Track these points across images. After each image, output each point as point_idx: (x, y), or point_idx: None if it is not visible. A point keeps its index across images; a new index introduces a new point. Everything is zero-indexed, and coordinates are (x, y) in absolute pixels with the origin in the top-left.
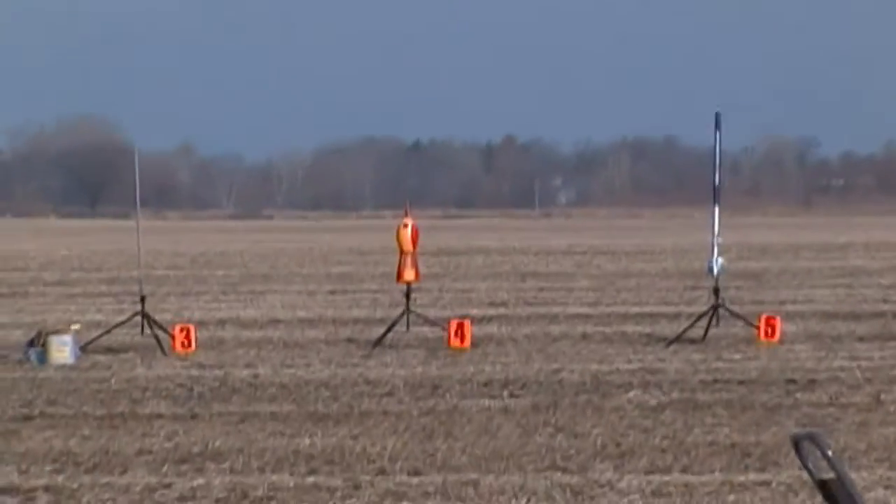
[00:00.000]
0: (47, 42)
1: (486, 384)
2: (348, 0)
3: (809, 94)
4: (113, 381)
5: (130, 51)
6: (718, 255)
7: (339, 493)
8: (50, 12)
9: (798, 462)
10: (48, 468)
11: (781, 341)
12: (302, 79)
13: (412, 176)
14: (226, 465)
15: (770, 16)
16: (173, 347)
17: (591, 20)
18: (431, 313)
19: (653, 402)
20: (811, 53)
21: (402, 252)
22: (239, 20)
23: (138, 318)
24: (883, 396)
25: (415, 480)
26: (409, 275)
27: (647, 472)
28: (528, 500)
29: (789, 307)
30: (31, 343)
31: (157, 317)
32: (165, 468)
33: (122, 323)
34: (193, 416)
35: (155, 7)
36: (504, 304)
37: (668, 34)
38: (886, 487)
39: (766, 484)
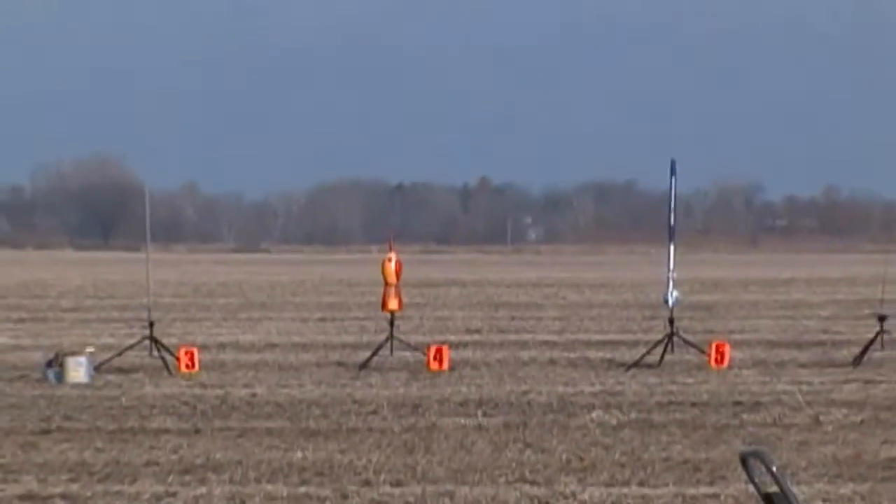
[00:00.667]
0: (67, 87)
1: (462, 404)
2: (338, 53)
3: (755, 141)
4: (123, 398)
5: (142, 98)
6: (673, 288)
7: (328, 503)
8: (68, 60)
9: (745, 477)
10: (64, 477)
11: (730, 367)
12: (296, 124)
13: (396, 214)
14: (226, 475)
15: (719, 70)
16: (178, 368)
17: (558, 76)
18: (413, 339)
19: (613, 421)
20: (758, 103)
21: (386, 283)
22: (238, 75)
23: (147, 342)
24: (822, 418)
25: (397, 491)
26: (392, 304)
27: (608, 486)
28: None
29: (737, 336)
30: (50, 363)
31: (164, 340)
32: (171, 478)
33: (133, 346)
34: (196, 431)
35: (163, 61)
36: (479, 331)
37: (629, 88)
38: (825, 501)
39: (716, 497)
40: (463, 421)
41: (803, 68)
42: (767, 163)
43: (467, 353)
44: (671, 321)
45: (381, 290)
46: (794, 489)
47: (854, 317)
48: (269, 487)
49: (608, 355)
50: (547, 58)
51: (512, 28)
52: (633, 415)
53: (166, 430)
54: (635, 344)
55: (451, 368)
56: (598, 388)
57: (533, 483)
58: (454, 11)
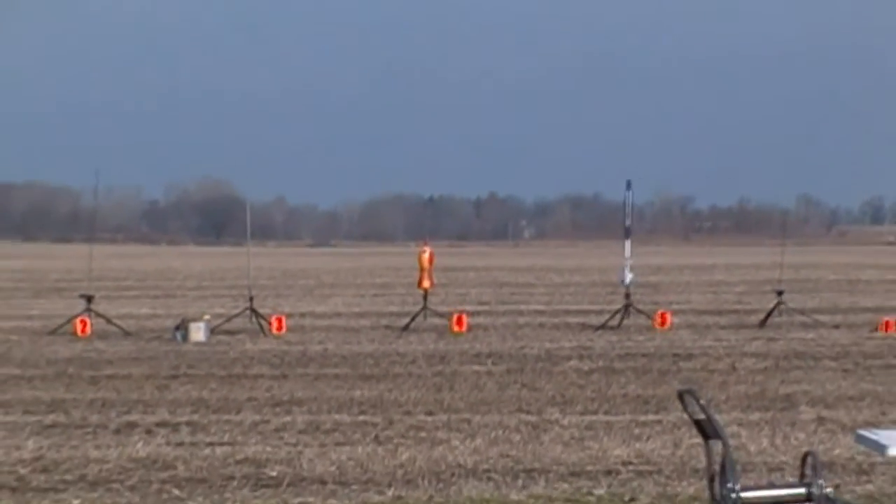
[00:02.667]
0: (187, 118)
1: (476, 355)
2: (374, 90)
3: (688, 163)
4: (231, 352)
5: (246, 128)
6: (628, 271)
7: (379, 426)
8: (188, 98)
9: (681, 408)
10: (188, 410)
11: (670, 329)
12: (355, 150)
13: (428, 219)
14: (304, 408)
15: (661, 101)
16: (270, 331)
17: (546, 111)
18: (440, 309)
19: (585, 367)
20: (691, 131)
21: (421, 269)
22: (307, 115)
23: (248, 311)
24: (736, 365)
25: (429, 419)
26: (426, 283)
27: (582, 414)
28: (504, 432)
29: (675, 306)
30: (177, 328)
31: (260, 311)
32: (265, 410)
33: (237, 314)
34: (284, 376)
35: (259, 92)
36: (488, 303)
37: (597, 121)
38: (739, 425)
39: (660, 422)
40: (476, 368)
41: (731, 99)
42: (697, 180)
43: (480, 319)
44: (627, 295)
45: (417, 273)
46: (717, 416)
47: (759, 292)
48: (336, 416)
49: (581, 320)
50: (539, 95)
51: (514, 71)
52: (600, 363)
53: (261, 376)
54: (601, 312)
55: (468, 330)
56: (574, 344)
57: (528, 412)
58: (478, 51)
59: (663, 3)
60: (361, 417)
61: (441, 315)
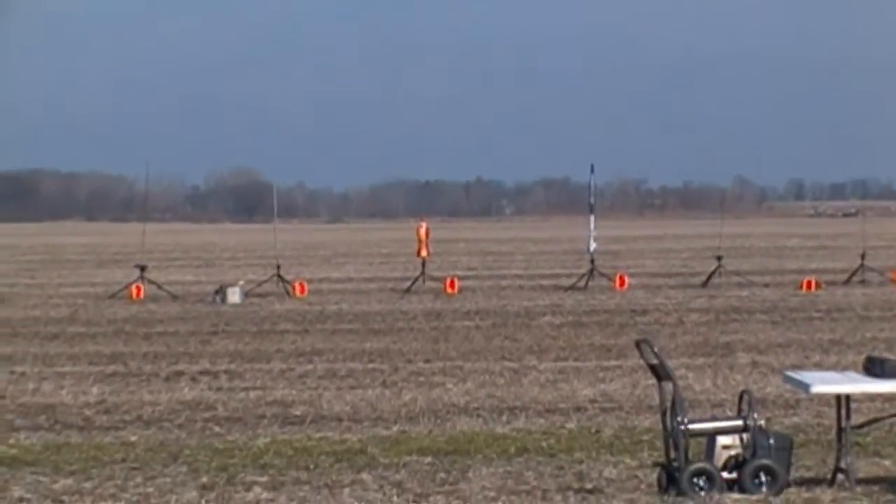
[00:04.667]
0: (223, 116)
1: (466, 313)
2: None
3: (641, 149)
4: (261, 312)
5: (272, 124)
6: (592, 241)
7: (385, 373)
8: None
9: (638, 355)
10: (226, 360)
11: (628, 289)
12: (364, 140)
13: (424, 199)
14: (324, 357)
15: (623, 99)
16: (294, 294)
17: (524, 108)
18: (436, 273)
19: (557, 321)
20: (642, 119)
21: (419, 241)
22: (325, 112)
23: (276, 278)
24: (683, 319)
25: (427, 366)
26: (423, 253)
27: (555, 361)
28: (490, 376)
29: (631, 270)
30: (216, 292)
31: (286, 277)
32: (290, 360)
33: (266, 280)
34: (306, 331)
35: (282, 95)
36: (475, 269)
37: (564, 118)
38: (687, 368)
39: (620, 367)
40: (467, 323)
41: (680, 95)
42: (650, 162)
43: (469, 283)
44: (591, 261)
45: (416, 245)
46: (668, 362)
47: (702, 258)
48: (350, 365)
49: (553, 282)
50: (515, 96)
51: (499, 71)
52: (570, 318)
53: (287, 331)
54: (570, 276)
55: (459, 292)
56: (547, 302)
57: (510, 360)
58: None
59: (631, 9)
60: (371, 365)
61: (436, 279)
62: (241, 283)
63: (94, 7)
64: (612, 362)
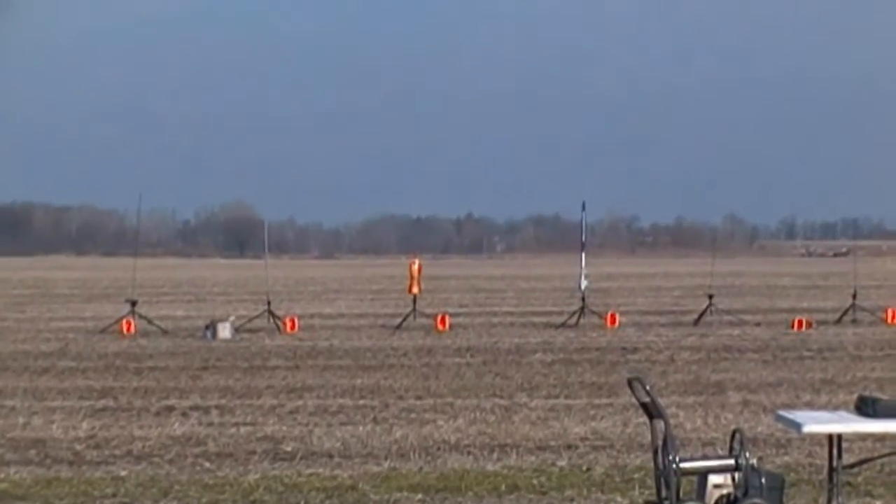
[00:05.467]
0: (213, 151)
1: (457, 349)
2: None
3: (635, 187)
4: (252, 347)
5: (262, 158)
6: (584, 279)
7: (376, 409)
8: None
9: (629, 392)
10: (216, 395)
11: (619, 326)
12: (354, 176)
13: (416, 236)
14: (314, 393)
15: (610, 133)
16: (285, 329)
17: (512, 138)
18: (427, 310)
19: (548, 359)
20: (633, 156)
21: (411, 277)
22: (320, 138)
23: (266, 313)
24: (674, 357)
25: (418, 402)
26: (415, 289)
27: (546, 398)
28: (481, 413)
29: (622, 308)
30: (207, 327)
31: (277, 312)
32: (281, 395)
33: (257, 316)
34: (297, 367)
35: (272, 129)
36: (466, 305)
37: (559, 151)
38: (678, 406)
39: (611, 405)
40: (458, 360)
41: (670, 130)
42: (641, 201)
43: (460, 319)
44: (583, 299)
45: (408, 281)
46: (659, 400)
47: (693, 296)
48: (341, 401)
49: (545, 320)
50: (506, 132)
51: (486, 102)
52: (561, 355)
53: (278, 367)
54: (560, 313)
55: (450, 328)
56: (538, 339)
57: (500, 397)
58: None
59: (622, 43)
60: (362, 401)
61: (427, 316)
62: (232, 318)
63: (84, 39)
64: (604, 400)
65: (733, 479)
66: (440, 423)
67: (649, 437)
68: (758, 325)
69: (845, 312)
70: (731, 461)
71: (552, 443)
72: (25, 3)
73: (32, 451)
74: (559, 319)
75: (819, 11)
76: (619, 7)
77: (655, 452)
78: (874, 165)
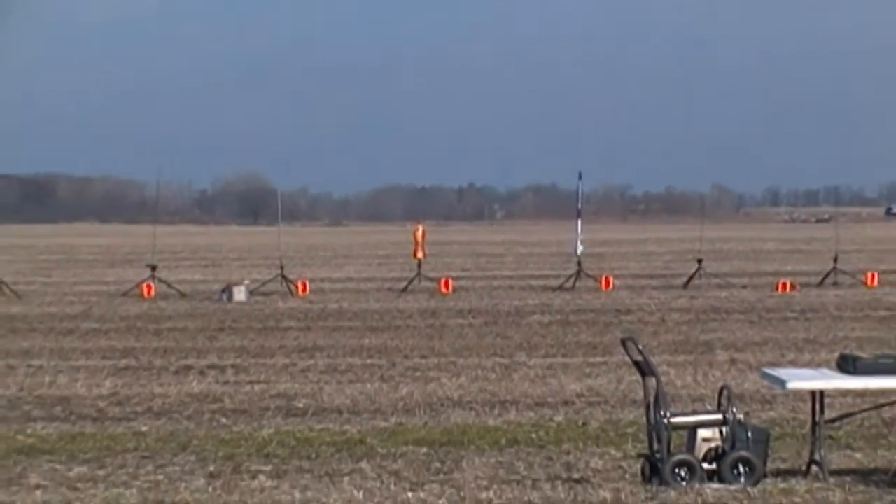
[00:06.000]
0: (231, 121)
1: (459, 311)
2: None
3: (627, 156)
4: (266, 310)
5: (276, 129)
6: (580, 244)
7: (383, 368)
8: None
9: (623, 352)
10: (233, 355)
11: (613, 289)
12: (365, 146)
13: (420, 204)
14: (325, 353)
15: (608, 106)
16: (297, 293)
17: (518, 115)
18: (431, 274)
19: (546, 320)
20: (627, 128)
21: (415, 243)
22: (327, 117)
23: (279, 277)
24: (665, 318)
25: (423, 361)
26: (419, 254)
27: (544, 357)
28: (482, 372)
29: (616, 272)
30: (223, 290)
31: (289, 277)
32: (293, 355)
33: (271, 280)
34: (308, 328)
35: (285, 105)
36: (469, 269)
37: (558, 122)
38: (668, 365)
39: (606, 363)
40: (460, 321)
41: (663, 105)
42: (632, 170)
43: (462, 283)
44: (578, 263)
45: (412, 247)
46: (651, 358)
47: (683, 260)
48: (349, 360)
49: (542, 283)
50: (507, 105)
51: (490, 78)
52: (558, 317)
53: (290, 328)
54: (558, 276)
55: (453, 291)
56: (537, 301)
57: (501, 356)
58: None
59: (620, 20)
60: (370, 361)
61: (431, 280)
62: (247, 282)
63: (104, 15)
64: (598, 359)
65: (721, 433)
66: (444, 380)
67: (642, 393)
68: (744, 287)
69: (827, 276)
70: (720, 416)
71: (550, 399)
72: None
73: (58, 408)
74: (556, 283)
75: None
76: None
77: (647, 408)
78: (856, 135)
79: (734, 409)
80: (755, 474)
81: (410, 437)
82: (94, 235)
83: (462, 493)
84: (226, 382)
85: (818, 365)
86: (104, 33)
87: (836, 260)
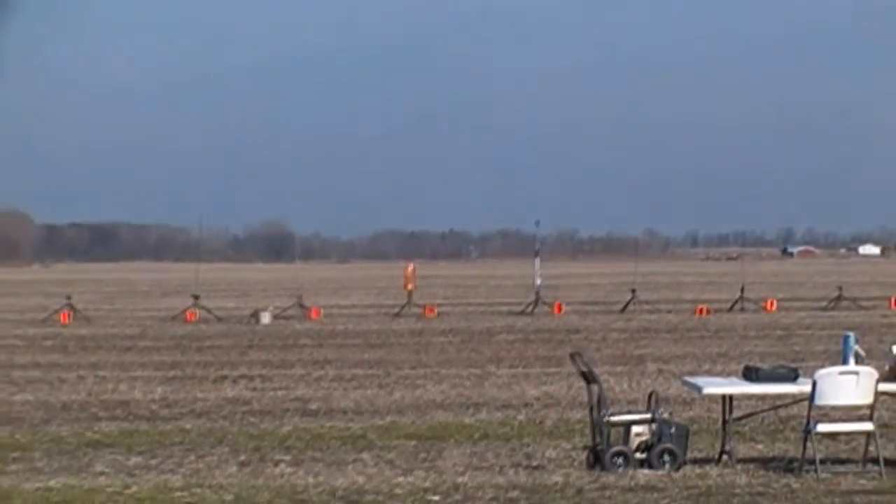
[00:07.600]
0: (256, 177)
1: (442, 331)
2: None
3: (574, 206)
4: (286, 331)
5: (293, 182)
6: (538, 278)
7: (380, 377)
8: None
9: (572, 364)
10: (259, 367)
11: (564, 314)
12: (370, 196)
13: (412, 244)
14: (333, 365)
15: (556, 160)
16: (311, 317)
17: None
18: (419, 302)
19: (511, 338)
20: (572, 181)
21: (406, 277)
22: (327, 163)
23: (297, 304)
24: (606, 337)
25: (412, 372)
26: (409, 286)
27: (510, 368)
28: (460, 380)
29: (567, 299)
30: (252, 315)
31: (305, 304)
32: (308, 367)
33: (290, 307)
34: (320, 345)
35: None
36: (449, 298)
37: (516, 177)
38: (609, 374)
39: (559, 373)
40: (442, 339)
41: (607, 166)
42: (581, 217)
43: (444, 308)
44: (537, 293)
45: (404, 280)
46: (595, 369)
47: (620, 290)
48: (354, 371)
49: (508, 308)
50: (478, 162)
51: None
52: (521, 336)
53: (306, 345)
54: (520, 304)
55: (437, 315)
56: (504, 323)
57: (475, 368)
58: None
59: (571, 77)
60: (369, 371)
61: (419, 306)
62: (271, 308)
63: (164, 88)
64: (553, 369)
65: (650, 429)
66: (429, 387)
67: (587, 397)
68: (669, 312)
69: (735, 302)
70: (649, 415)
71: (514, 402)
72: (95, 55)
73: (118, 410)
74: (519, 308)
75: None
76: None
77: (591, 409)
78: (754, 191)
79: (661, 410)
80: (677, 462)
81: (402, 433)
82: (148, 271)
83: (444, 478)
84: (254, 389)
85: (728, 374)
86: (157, 99)
87: (742, 290)
